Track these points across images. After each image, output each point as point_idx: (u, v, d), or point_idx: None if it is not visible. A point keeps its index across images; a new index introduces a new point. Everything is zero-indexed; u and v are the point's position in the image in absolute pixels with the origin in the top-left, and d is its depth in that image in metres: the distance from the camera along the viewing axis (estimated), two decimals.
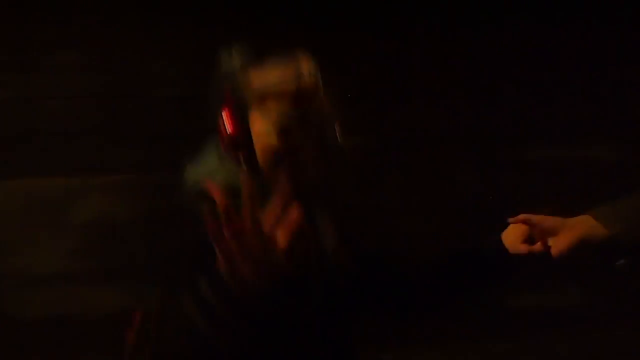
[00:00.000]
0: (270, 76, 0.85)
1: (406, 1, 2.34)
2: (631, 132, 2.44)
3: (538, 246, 0.95)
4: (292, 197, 0.56)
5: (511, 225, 0.99)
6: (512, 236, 0.99)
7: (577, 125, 2.48)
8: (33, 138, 2.03)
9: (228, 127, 0.87)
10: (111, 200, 2.05)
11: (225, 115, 0.88)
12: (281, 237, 0.55)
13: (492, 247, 0.99)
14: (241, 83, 0.87)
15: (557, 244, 0.92)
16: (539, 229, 0.95)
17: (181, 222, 0.85)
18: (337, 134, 0.90)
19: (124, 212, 2.02)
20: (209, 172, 0.86)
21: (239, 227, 0.53)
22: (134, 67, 2.11)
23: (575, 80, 2.50)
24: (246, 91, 0.86)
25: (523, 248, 0.96)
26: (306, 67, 0.86)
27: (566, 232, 0.92)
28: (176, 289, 0.68)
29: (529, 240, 0.97)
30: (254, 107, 0.86)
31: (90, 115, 2.08)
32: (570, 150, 2.49)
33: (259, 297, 0.57)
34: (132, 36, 2.12)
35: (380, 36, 2.32)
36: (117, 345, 0.84)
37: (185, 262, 0.77)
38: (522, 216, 0.97)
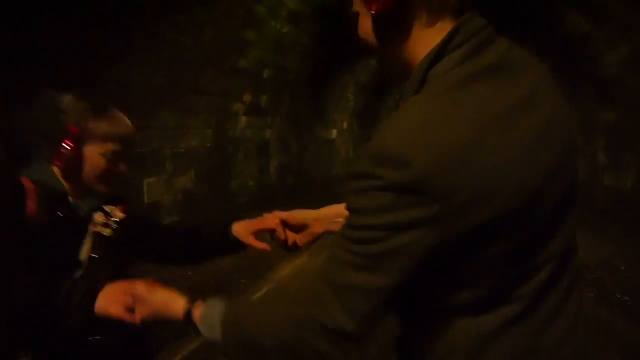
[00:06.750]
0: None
1: None
2: None
3: (278, 240, 1.18)
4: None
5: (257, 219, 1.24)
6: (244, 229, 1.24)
7: None
8: None
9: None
10: None
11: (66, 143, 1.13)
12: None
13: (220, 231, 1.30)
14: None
15: (301, 238, 1.14)
16: (289, 225, 1.16)
17: None
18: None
19: None
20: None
21: None
22: None
23: None
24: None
25: (251, 240, 1.21)
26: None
27: (314, 226, 1.12)
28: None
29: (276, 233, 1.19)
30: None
31: None
32: None
33: None
34: None
35: None
36: None
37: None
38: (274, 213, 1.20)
